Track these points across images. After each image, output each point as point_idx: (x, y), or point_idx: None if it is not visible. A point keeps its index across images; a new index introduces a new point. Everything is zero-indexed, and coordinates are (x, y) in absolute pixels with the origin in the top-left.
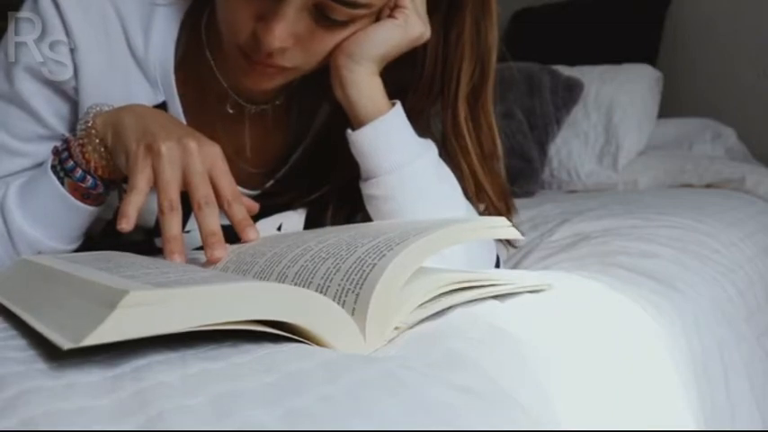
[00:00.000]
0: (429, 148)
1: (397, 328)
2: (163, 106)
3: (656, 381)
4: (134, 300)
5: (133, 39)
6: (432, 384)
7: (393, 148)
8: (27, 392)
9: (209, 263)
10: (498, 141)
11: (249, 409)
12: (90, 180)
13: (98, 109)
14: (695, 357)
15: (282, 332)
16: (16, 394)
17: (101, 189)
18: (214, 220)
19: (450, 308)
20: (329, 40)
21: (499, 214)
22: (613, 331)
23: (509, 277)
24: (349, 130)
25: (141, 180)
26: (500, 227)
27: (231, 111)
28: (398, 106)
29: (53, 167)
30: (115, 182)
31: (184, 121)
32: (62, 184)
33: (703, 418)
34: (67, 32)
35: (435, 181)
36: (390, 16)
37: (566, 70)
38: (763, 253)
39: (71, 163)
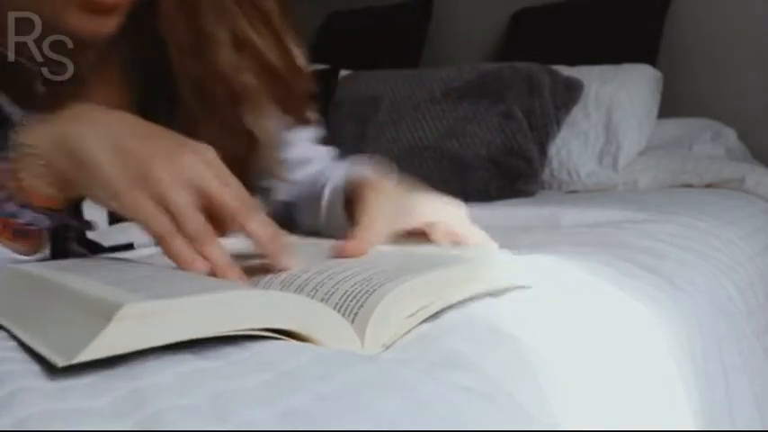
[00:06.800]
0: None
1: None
2: None
3: (655, 379)
4: (129, 312)
5: None
6: (431, 383)
7: None
8: (21, 392)
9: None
10: None
11: (246, 408)
12: (28, 214)
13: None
14: (695, 355)
15: (279, 336)
16: (10, 393)
17: (45, 223)
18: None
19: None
20: None
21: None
22: (612, 329)
23: (497, 263)
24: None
25: (162, 223)
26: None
27: (43, 87)
28: None
29: None
30: (61, 211)
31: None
32: None
33: (703, 417)
34: None
35: None
36: None
37: (566, 70)
38: (763, 252)
39: None
